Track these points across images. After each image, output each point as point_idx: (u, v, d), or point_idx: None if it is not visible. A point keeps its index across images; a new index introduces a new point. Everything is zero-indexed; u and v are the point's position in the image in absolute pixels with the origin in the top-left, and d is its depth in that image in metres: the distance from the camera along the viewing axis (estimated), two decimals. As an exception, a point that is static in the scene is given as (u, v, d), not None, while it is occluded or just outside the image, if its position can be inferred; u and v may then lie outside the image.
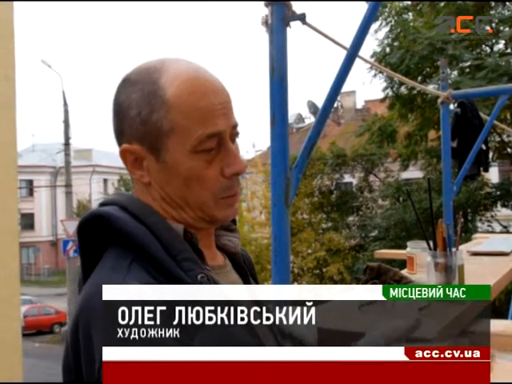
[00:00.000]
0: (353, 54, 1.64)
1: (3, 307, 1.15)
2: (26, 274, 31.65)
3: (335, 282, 13.94)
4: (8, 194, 1.20)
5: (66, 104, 16.17)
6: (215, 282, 0.82)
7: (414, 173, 14.43)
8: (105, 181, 35.73)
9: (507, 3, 10.47)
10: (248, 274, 1.00)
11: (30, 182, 34.09)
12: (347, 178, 16.72)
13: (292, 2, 1.62)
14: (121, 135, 0.87)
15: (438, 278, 1.63)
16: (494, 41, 10.68)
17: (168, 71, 0.85)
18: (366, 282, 1.82)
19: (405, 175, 15.33)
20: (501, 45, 10.78)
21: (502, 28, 10.32)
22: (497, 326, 1.62)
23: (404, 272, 2.02)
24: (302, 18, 1.64)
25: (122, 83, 0.88)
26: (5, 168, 1.19)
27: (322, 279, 14.28)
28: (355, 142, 16.13)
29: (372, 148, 14.68)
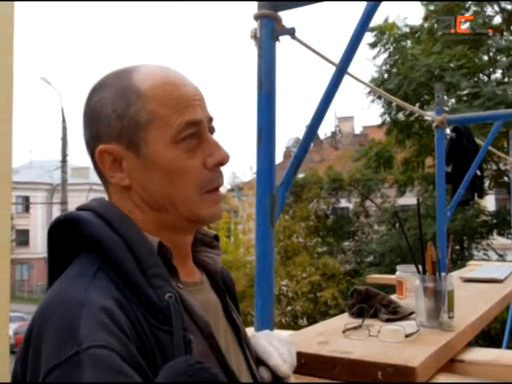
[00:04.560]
0: (342, 69, 1.60)
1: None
2: (18, 291, 31.41)
3: (329, 307, 13.81)
4: (1, 209, 1.17)
5: (64, 121, 16.24)
6: (184, 303, 0.78)
7: (410, 199, 14.40)
8: (101, 199, 35.60)
9: (504, 33, 10.60)
10: (225, 294, 0.96)
11: (27, 199, 34.03)
12: (343, 203, 16.69)
13: (282, 17, 1.59)
14: (96, 138, 0.83)
15: (427, 303, 1.57)
16: (491, 69, 10.78)
17: (139, 71, 0.85)
18: (352, 306, 1.76)
19: (401, 201, 15.30)
20: (498, 74, 10.88)
21: (499, 57, 10.43)
22: (489, 354, 1.58)
23: (393, 297, 1.96)
24: (291, 32, 1.60)
25: (90, 93, 0.86)
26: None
27: (316, 304, 14.14)
28: (352, 167, 16.14)
29: (369, 173, 14.69)
